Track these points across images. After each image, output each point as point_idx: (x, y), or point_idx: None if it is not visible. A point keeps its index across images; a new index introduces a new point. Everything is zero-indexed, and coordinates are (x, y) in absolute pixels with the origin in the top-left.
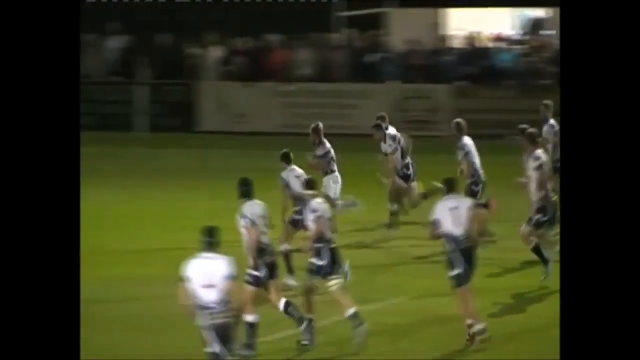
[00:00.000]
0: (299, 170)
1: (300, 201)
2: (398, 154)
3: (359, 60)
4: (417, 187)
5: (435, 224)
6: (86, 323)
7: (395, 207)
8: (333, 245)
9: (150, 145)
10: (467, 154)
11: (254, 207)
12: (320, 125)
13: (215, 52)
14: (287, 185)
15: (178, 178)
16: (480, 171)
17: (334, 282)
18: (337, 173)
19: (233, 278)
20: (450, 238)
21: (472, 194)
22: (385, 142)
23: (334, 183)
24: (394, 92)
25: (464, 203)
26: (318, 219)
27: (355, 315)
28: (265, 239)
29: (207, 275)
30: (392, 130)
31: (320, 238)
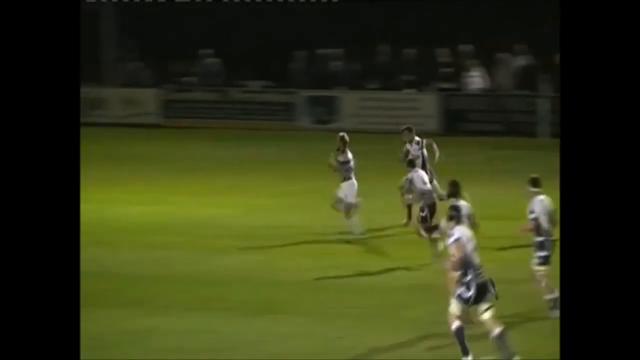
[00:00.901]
0: (421, 171)
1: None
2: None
3: None
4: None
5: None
6: None
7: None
8: (552, 238)
9: (552, 149)
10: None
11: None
12: (346, 136)
13: None
14: (411, 182)
15: None
16: None
17: (544, 268)
18: (353, 180)
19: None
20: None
21: None
22: None
23: (349, 188)
24: None
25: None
26: (542, 214)
27: (556, 300)
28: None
29: (472, 240)
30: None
31: (541, 232)
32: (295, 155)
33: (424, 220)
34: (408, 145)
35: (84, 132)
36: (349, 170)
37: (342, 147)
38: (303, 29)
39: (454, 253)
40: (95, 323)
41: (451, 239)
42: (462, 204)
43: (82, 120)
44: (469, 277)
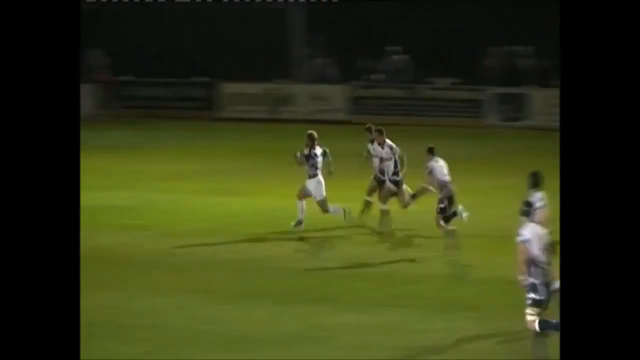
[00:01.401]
0: (442, 161)
1: (443, 185)
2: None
3: None
4: (406, 189)
5: None
6: None
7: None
8: None
9: None
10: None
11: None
12: (315, 133)
13: None
14: (430, 172)
15: None
16: None
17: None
18: (319, 177)
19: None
20: None
21: None
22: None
23: (317, 184)
24: None
25: None
26: None
27: None
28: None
29: (542, 239)
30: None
31: None
32: (484, 153)
33: (442, 211)
34: (376, 146)
35: (271, 128)
36: (314, 166)
37: (310, 144)
38: (493, 26)
39: (519, 254)
40: (288, 318)
41: (519, 238)
42: (538, 196)
43: (270, 116)
44: (532, 278)
